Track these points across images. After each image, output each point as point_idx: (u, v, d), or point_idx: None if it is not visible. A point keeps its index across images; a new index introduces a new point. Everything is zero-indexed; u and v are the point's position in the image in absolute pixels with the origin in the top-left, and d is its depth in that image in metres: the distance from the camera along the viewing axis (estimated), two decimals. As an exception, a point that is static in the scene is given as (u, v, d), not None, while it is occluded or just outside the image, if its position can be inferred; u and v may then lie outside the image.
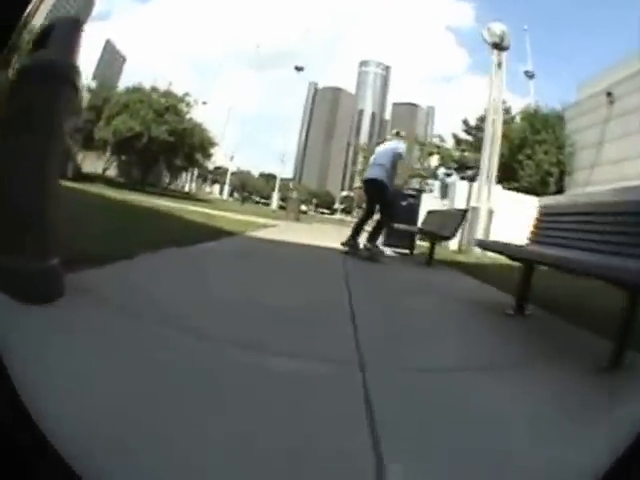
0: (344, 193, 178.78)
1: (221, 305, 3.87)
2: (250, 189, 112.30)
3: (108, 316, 3.01)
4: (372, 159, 10.81)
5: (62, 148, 3.25)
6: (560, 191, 25.66)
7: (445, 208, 16.97)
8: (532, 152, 26.81)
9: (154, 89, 33.58)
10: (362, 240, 10.21)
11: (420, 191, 15.89)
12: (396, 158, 10.29)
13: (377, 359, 3.04)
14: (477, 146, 33.74)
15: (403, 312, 4.80)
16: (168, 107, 32.31)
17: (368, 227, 10.86)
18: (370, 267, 8.83)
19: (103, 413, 1.85)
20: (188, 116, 34.05)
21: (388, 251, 12.40)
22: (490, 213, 16.64)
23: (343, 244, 10.12)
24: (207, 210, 17.16)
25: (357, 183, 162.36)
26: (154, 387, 2.18)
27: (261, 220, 17.24)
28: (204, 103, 36.57)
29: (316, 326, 3.77)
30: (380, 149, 10.84)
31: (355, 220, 12.34)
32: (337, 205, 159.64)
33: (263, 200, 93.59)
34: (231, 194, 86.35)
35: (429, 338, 3.93)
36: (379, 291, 6.12)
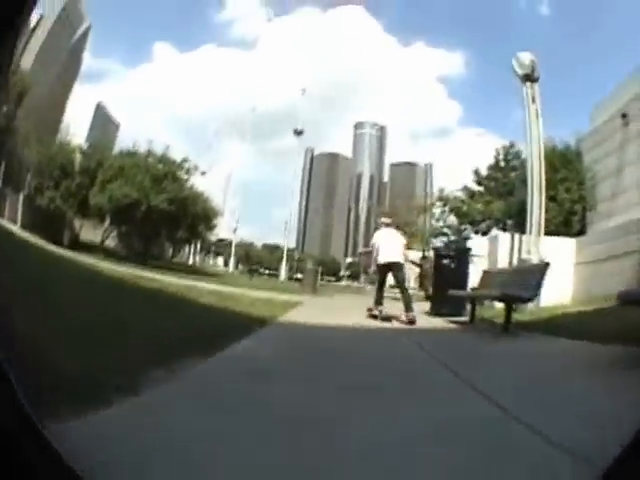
0: (349, 260, 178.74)
1: None
2: (254, 260, 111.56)
3: None
4: (379, 243, 12.45)
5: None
6: (583, 229, 25.12)
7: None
8: (555, 193, 25.54)
9: (150, 153, 32.51)
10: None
11: (467, 250, 15.36)
12: (404, 244, 12.72)
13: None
14: (499, 194, 32.88)
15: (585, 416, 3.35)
16: (166, 173, 31.25)
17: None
18: (461, 352, 7.27)
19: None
20: (188, 184, 33.21)
21: (440, 321, 12.13)
22: (543, 264, 15.23)
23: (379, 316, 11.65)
24: (221, 287, 15.50)
25: (360, 248, 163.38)
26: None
27: (282, 297, 15.57)
28: (203, 173, 35.75)
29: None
30: (385, 235, 12.67)
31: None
32: (343, 272, 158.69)
33: (269, 271, 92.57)
34: (235, 266, 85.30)
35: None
36: (522, 391, 4.27)
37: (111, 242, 34.41)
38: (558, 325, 9.05)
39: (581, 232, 24.05)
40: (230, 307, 9.42)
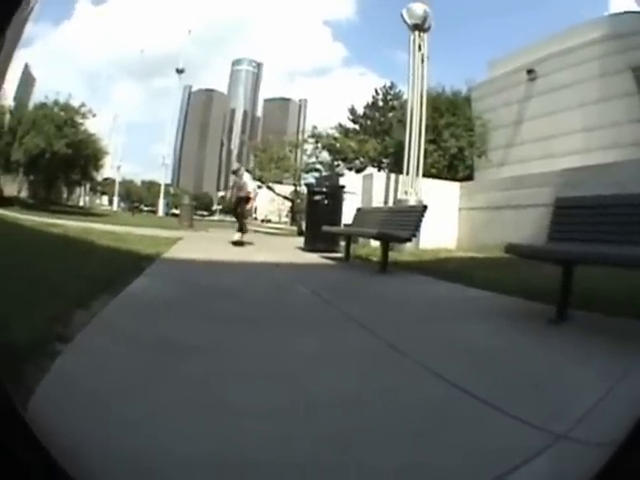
0: (221, 193, 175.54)
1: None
2: (134, 198, 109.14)
3: None
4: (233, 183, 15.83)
5: None
6: (471, 174, 25.32)
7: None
8: (439, 137, 25.45)
9: (56, 103, 33.55)
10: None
11: (341, 187, 14.92)
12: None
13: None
14: (376, 133, 33.29)
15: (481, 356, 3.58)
16: (66, 120, 32.37)
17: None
18: (341, 290, 7.25)
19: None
20: (83, 127, 34.03)
21: (315, 257, 12.00)
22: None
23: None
24: (111, 227, 15.63)
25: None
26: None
27: (163, 233, 15.69)
28: (94, 115, 35.96)
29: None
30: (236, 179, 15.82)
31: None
32: (215, 206, 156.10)
33: (148, 208, 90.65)
34: (118, 204, 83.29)
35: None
36: (411, 327, 4.57)
37: (24, 193, 35.29)
38: (439, 268, 9.06)
39: (468, 178, 23.95)
40: (122, 246, 9.62)
